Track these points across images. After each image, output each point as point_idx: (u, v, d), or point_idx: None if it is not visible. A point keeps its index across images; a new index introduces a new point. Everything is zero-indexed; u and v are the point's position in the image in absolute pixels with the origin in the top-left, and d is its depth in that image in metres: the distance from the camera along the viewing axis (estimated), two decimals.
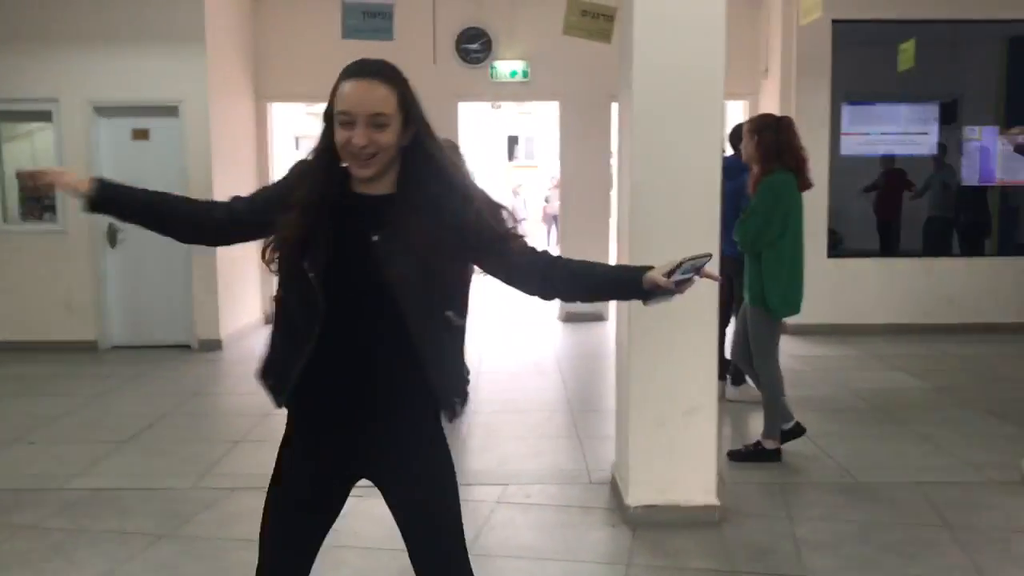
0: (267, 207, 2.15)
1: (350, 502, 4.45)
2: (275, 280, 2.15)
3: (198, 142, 8.34)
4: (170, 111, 8.33)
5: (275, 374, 2.16)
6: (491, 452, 5.29)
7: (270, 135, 9.98)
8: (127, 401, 6.63)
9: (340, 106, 2.03)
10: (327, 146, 2.09)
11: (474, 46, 9.76)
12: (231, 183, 8.86)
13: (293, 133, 13.35)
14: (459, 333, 2.19)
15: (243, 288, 9.27)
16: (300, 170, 2.16)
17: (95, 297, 8.43)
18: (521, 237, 2.16)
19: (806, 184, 4.94)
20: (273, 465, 2.24)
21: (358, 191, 2.10)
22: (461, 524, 2.27)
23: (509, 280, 2.18)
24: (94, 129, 8.36)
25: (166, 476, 4.89)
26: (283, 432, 2.24)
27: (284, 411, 2.22)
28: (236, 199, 2.24)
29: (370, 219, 2.06)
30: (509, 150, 33.03)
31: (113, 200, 2.23)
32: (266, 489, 2.23)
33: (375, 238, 2.03)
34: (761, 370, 5.04)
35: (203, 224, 2.25)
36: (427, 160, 2.10)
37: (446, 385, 2.15)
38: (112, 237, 8.44)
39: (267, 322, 9.85)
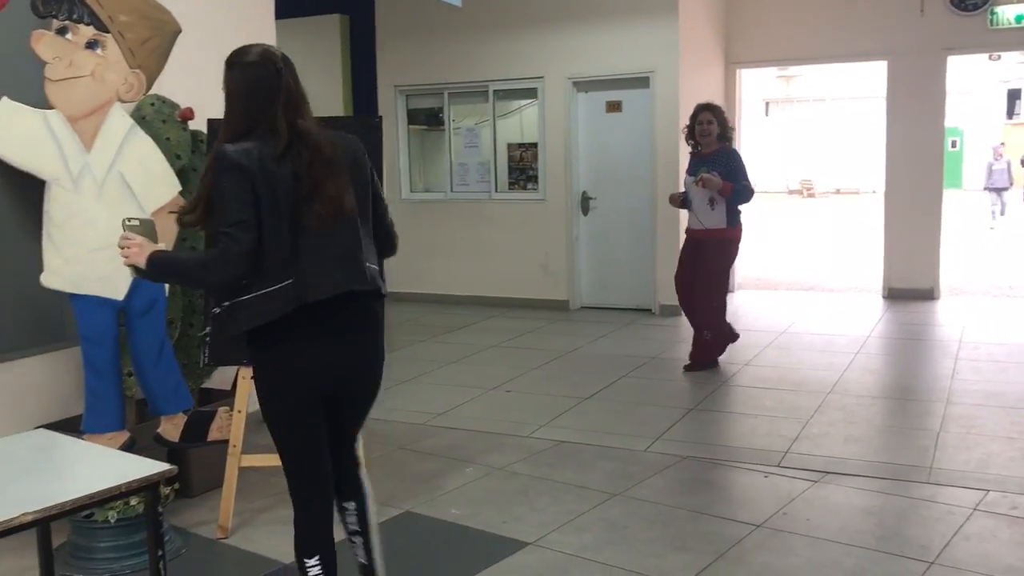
0: None
1: (801, 485, 4.22)
2: None
3: (666, 111, 8.48)
4: (642, 82, 8.58)
5: None
6: (969, 451, 4.68)
7: (738, 101, 9.84)
8: (592, 360, 7.01)
9: None
10: None
11: None
12: None
13: (762, 98, 13.02)
14: None
15: None
16: None
17: (568, 260, 9.05)
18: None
19: None
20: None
21: None
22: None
23: None
24: (572, 103, 8.91)
25: (622, 436, 5.07)
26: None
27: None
28: None
29: None
30: (1008, 106, 29.18)
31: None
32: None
33: None
34: None
35: None
36: None
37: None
38: (585, 205, 8.97)
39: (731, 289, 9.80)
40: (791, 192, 29.61)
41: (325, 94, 9.63)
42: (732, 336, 6.61)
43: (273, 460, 4.29)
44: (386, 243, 2.83)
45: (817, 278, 11.03)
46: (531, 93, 9.20)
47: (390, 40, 9.72)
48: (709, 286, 6.38)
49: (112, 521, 3.57)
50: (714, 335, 6.45)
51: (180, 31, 3.86)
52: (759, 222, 11.54)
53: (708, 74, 9.28)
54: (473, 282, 9.47)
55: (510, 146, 9.49)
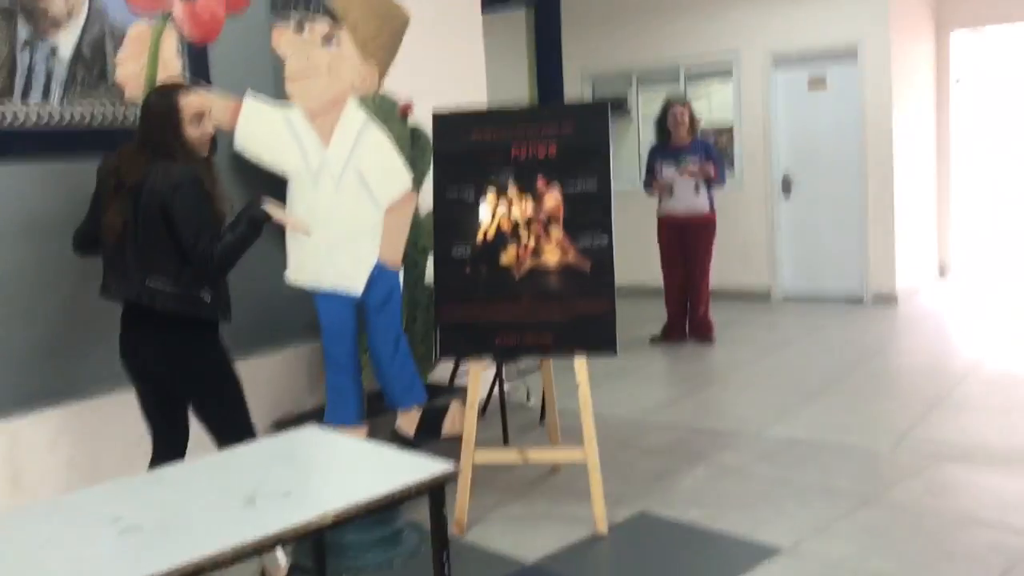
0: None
1: None
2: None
3: (877, 85, 7.93)
4: (847, 55, 8.04)
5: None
6: None
7: (951, 69, 9.09)
8: (807, 353, 6.62)
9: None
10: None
11: None
12: (911, 128, 8.30)
13: (974, 65, 11.80)
14: None
15: (919, 240, 8.66)
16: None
17: (769, 247, 8.63)
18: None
19: None
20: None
21: None
22: None
23: None
24: (771, 80, 8.47)
25: (861, 434, 4.71)
26: None
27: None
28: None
29: None
30: None
31: None
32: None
33: None
34: None
35: None
36: None
37: None
38: (787, 187, 8.52)
39: (942, 275, 9.12)
40: None
41: (512, 84, 9.59)
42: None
43: (507, 456, 4.25)
44: None
45: None
46: (724, 73, 8.83)
47: (576, 27, 9.56)
48: (706, 266, 6.91)
49: None
50: (706, 309, 7.00)
51: (409, 22, 3.82)
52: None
53: (919, 41, 8.61)
54: None
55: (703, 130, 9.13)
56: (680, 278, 6.98)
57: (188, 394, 3.16)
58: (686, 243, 6.86)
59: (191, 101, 2.99)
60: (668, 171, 6.76)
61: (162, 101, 3.01)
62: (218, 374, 3.16)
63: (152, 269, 2.97)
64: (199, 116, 2.99)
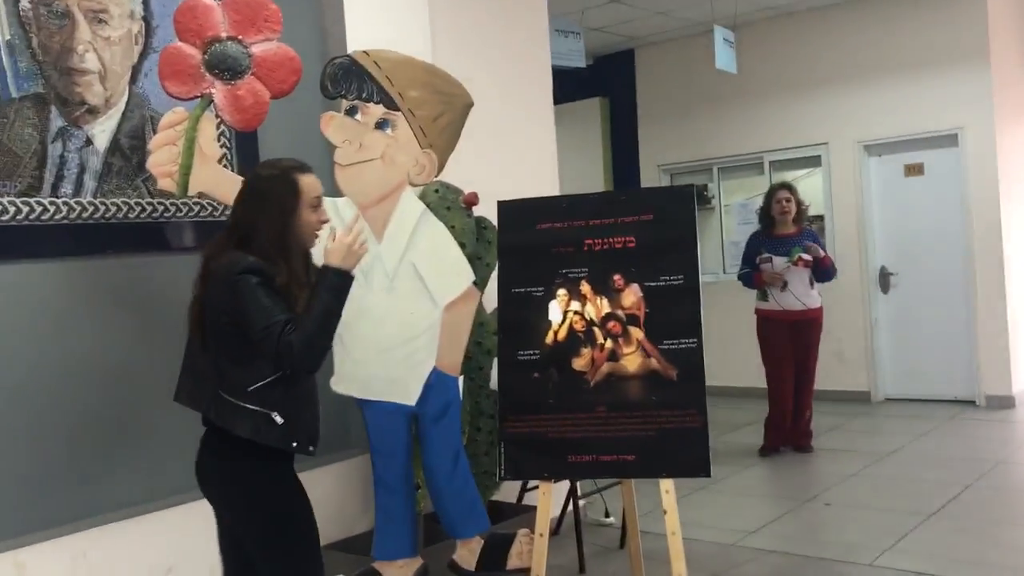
0: None
1: None
2: None
3: (981, 172, 7.35)
4: (948, 141, 7.51)
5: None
6: None
7: None
8: (918, 464, 5.93)
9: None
10: None
11: None
12: (1020, 217, 7.67)
13: None
14: None
15: None
16: None
17: (867, 346, 7.98)
18: None
19: None
20: None
21: None
22: None
23: None
24: (864, 168, 7.98)
25: (996, 567, 4.03)
26: None
27: None
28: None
29: None
30: None
31: None
32: None
33: None
34: None
35: None
36: None
37: None
38: (884, 282, 7.92)
39: None
40: None
41: (587, 175, 9.29)
42: None
43: None
44: None
45: None
46: (813, 161, 8.35)
47: (652, 118, 9.25)
48: (815, 365, 6.41)
49: None
50: (811, 414, 6.44)
51: (472, 104, 3.48)
52: None
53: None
54: (754, 372, 8.55)
55: None
56: (791, 379, 6.31)
57: (246, 538, 2.54)
58: (797, 341, 6.24)
59: (311, 182, 2.54)
60: (779, 262, 6.14)
61: (279, 179, 2.51)
62: (282, 520, 2.52)
63: (224, 376, 2.46)
64: (319, 199, 2.55)
